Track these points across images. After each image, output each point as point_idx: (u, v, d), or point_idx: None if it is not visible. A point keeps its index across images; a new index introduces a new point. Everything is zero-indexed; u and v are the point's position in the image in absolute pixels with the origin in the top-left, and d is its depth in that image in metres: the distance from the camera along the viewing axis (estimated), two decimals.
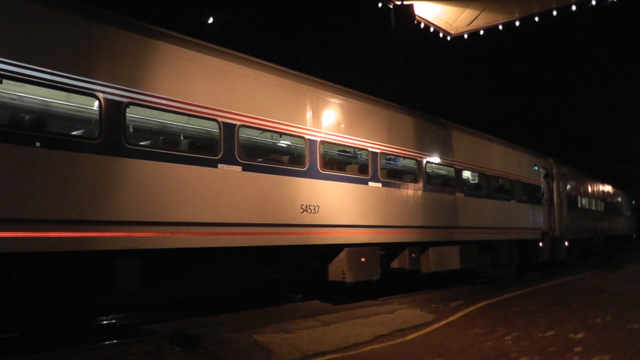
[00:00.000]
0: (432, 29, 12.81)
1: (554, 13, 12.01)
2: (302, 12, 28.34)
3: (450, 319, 9.90)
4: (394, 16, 11.48)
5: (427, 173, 12.69)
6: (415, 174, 12.47)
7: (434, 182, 13.30)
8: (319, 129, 9.86)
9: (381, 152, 11.27)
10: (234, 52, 8.84)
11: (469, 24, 12.72)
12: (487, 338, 8.10)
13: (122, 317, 9.80)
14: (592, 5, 11.63)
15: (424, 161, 12.59)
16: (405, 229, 11.73)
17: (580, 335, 8.15)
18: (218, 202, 8.04)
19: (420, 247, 12.46)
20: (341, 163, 11.23)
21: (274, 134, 9.60)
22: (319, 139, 9.83)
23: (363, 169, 10.97)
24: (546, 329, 8.71)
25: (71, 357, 6.69)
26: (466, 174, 14.90)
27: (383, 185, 11.16)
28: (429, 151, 12.80)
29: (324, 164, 10.01)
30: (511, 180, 16.90)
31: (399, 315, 9.91)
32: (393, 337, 8.34)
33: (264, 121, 8.93)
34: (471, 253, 14.38)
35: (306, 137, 9.61)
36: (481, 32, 13.02)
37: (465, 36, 13.20)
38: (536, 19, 12.30)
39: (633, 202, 42.94)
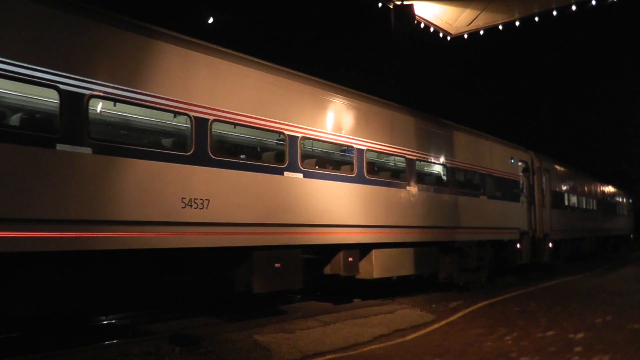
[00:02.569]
0: (432, 29, 12.81)
1: (554, 13, 12.02)
2: (302, 12, 28.36)
3: (450, 319, 9.91)
4: (394, 16, 11.47)
5: (367, 163, 10.83)
6: (350, 163, 10.58)
7: (378, 174, 11.57)
8: (210, 105, 8.03)
9: (303, 137, 9.45)
10: (83, 5, 7.03)
11: (469, 24, 12.71)
12: (487, 338, 8.10)
13: (122, 317, 9.81)
14: (592, 5, 11.63)
15: (364, 149, 10.72)
16: (337, 228, 10.00)
17: (580, 335, 8.16)
18: (56, 193, 6.32)
19: (362, 249, 10.86)
20: (246, 148, 9.60)
21: (148, 110, 7.65)
22: (210, 118, 7.98)
23: (278, 156, 9.25)
24: (546, 329, 8.71)
25: (71, 357, 6.70)
26: (422, 165, 13.02)
27: (305, 176, 9.36)
28: (370, 137, 10.97)
29: (218, 149, 8.32)
30: (481, 173, 14.96)
31: (399, 315, 9.91)
32: (393, 337, 8.34)
33: (131, 92, 7.10)
34: (429, 256, 12.70)
35: (192, 114, 7.75)
36: (481, 32, 13.02)
37: (465, 36, 13.20)
38: (536, 19, 12.30)
39: (630, 201, 41.42)
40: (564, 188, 22.35)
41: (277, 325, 8.40)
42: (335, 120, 10.28)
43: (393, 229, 11.36)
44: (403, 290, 13.20)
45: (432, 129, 13.20)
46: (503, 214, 15.87)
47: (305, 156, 9.81)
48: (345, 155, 10.90)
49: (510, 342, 7.79)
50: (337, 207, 10.05)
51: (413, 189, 12.04)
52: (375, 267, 10.97)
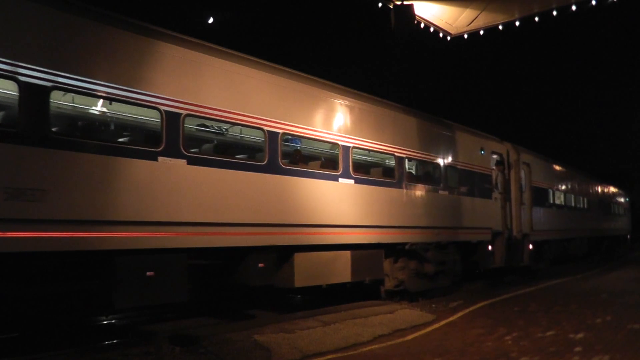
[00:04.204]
0: (432, 29, 12.81)
1: (554, 13, 12.03)
2: (302, 12, 28.39)
3: (450, 319, 9.91)
4: (394, 16, 11.47)
5: (282, 150, 8.93)
6: (261, 150, 8.90)
7: (304, 163, 9.86)
8: (48, 69, 6.23)
9: (188, 114, 7.62)
10: None
11: (469, 24, 12.71)
12: (487, 338, 8.11)
13: (122, 317, 9.82)
14: (592, 5, 11.64)
15: (279, 132, 8.86)
16: (239, 227, 8.16)
17: (580, 335, 8.16)
18: None
19: (279, 253, 9.06)
20: (109, 127, 8.08)
21: None
22: (49, 85, 6.22)
23: (152, 138, 7.53)
24: (546, 329, 8.72)
25: (71, 357, 6.70)
26: (361, 153, 11.16)
27: (190, 163, 7.54)
28: (288, 119, 9.10)
29: (63, 127, 6.94)
30: (441, 165, 12.96)
31: (399, 315, 9.91)
32: (393, 337, 8.36)
33: None
34: (371, 260, 10.85)
35: (21, 78, 5.99)
36: (481, 32, 13.02)
37: (465, 36, 13.20)
38: (536, 19, 12.31)
39: (627, 200, 39.49)
40: (549, 184, 20.19)
41: (277, 325, 8.40)
42: (237, 96, 8.40)
43: (320, 229, 9.56)
44: (403, 290, 13.17)
45: (375, 113, 11.23)
46: (470, 212, 13.93)
47: (193, 139, 8.33)
48: (253, 140, 9.39)
49: (510, 342, 7.80)
50: (238, 202, 8.19)
51: (348, 181, 10.13)
52: (297, 274, 9.18)
